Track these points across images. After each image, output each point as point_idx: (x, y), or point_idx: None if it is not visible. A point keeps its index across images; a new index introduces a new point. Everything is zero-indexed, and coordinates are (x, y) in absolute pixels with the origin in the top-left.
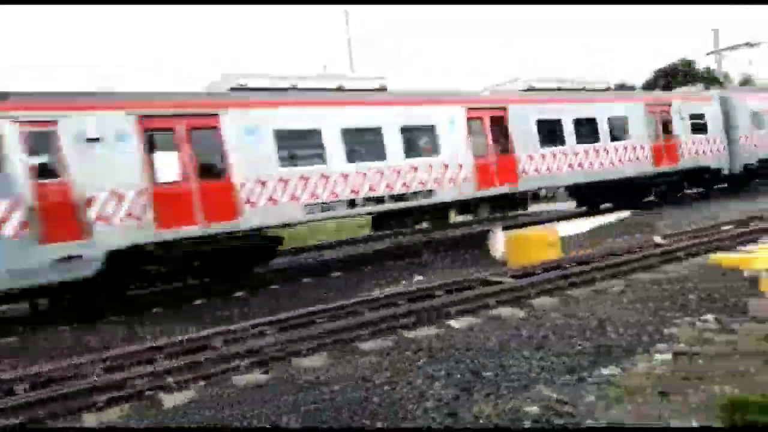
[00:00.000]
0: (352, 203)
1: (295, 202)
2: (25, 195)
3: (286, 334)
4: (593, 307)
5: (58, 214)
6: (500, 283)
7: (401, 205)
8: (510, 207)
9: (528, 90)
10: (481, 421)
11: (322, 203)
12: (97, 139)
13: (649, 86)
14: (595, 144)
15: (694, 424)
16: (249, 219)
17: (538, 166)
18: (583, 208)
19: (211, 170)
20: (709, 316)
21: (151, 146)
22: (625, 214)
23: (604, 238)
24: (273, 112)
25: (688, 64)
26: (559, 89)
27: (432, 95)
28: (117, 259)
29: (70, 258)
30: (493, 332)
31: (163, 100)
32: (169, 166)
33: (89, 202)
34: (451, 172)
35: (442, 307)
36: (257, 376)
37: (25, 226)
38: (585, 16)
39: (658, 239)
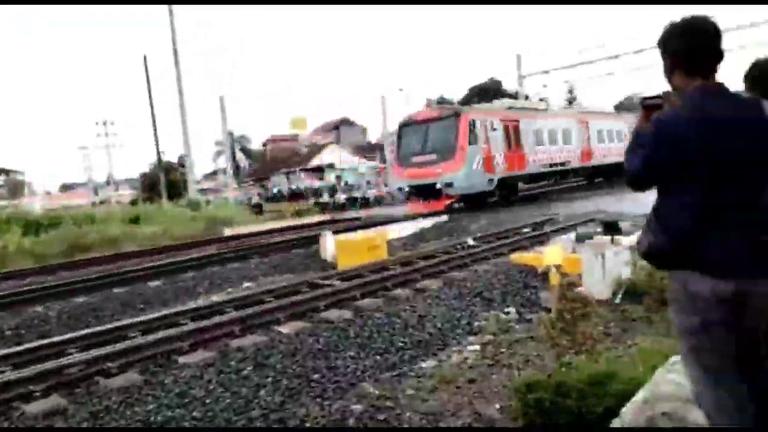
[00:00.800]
0: (549, 165)
1: (537, 163)
2: (482, 154)
3: (90, 353)
4: (414, 305)
5: (487, 162)
6: (329, 285)
7: (561, 168)
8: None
9: (509, 108)
10: (308, 424)
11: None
12: (495, 129)
13: (466, 102)
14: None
15: (497, 406)
16: (530, 169)
17: (535, 158)
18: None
19: (514, 145)
20: (511, 309)
21: (505, 134)
22: (444, 218)
23: (427, 240)
24: (531, 120)
25: (498, 83)
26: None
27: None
28: (501, 181)
29: (491, 180)
30: (322, 335)
31: (506, 111)
32: (508, 142)
33: (493, 158)
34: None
35: (271, 312)
36: (58, 400)
37: (480, 165)
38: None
39: (470, 241)
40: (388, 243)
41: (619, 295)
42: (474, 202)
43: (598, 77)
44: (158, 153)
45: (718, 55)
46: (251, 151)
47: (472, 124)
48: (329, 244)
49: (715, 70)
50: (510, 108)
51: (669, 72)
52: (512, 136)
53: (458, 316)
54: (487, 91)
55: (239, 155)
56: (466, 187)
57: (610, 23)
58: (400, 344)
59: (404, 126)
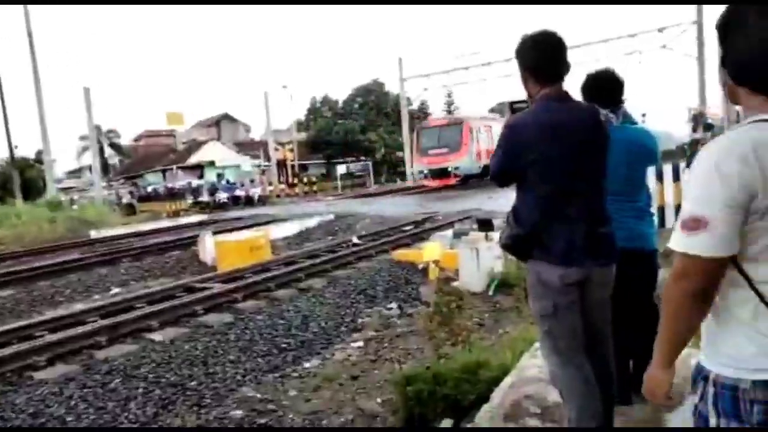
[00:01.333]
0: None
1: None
2: (476, 149)
3: None
4: (298, 305)
5: (479, 154)
6: (208, 288)
7: None
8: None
9: (483, 118)
10: None
11: None
12: (481, 132)
13: (350, 101)
14: None
15: (378, 400)
16: None
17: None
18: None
19: (492, 143)
20: (393, 304)
21: (487, 135)
22: (329, 217)
23: (313, 240)
24: (498, 124)
25: (381, 85)
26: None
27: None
28: (485, 167)
29: (480, 166)
30: (200, 340)
31: (483, 120)
32: (489, 140)
33: (481, 151)
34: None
35: (142, 319)
36: None
37: (475, 156)
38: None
39: (355, 239)
40: (271, 243)
41: (492, 288)
42: (466, 180)
43: (473, 82)
44: (10, 147)
45: (564, 67)
46: (122, 146)
47: (470, 129)
48: (209, 245)
49: (561, 80)
50: (483, 117)
51: (524, 80)
52: (490, 136)
53: (342, 314)
54: (371, 92)
55: (108, 151)
56: (467, 170)
57: (483, 32)
58: (284, 345)
59: (423, 129)
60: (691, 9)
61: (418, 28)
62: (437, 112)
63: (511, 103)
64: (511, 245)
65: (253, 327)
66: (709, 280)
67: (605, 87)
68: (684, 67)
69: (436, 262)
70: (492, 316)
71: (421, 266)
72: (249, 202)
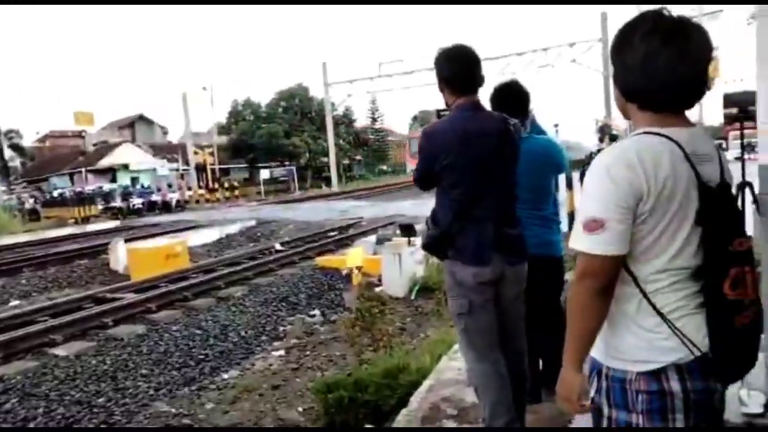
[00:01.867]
0: None
1: None
2: None
3: None
4: (217, 314)
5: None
6: (119, 299)
7: None
8: None
9: None
10: None
11: None
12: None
13: (275, 105)
14: None
15: (299, 409)
16: None
17: None
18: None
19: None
20: (316, 311)
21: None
22: (251, 223)
23: (234, 247)
24: None
25: (306, 89)
26: None
27: None
28: None
29: None
30: (109, 354)
31: None
32: None
33: None
34: None
35: (44, 333)
36: None
37: None
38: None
39: (277, 246)
40: (190, 250)
41: (414, 292)
42: None
43: (396, 90)
44: None
45: (477, 79)
46: (24, 148)
47: None
48: (121, 253)
49: (475, 91)
50: None
51: (441, 90)
52: None
53: (263, 322)
54: (295, 96)
55: (8, 153)
56: None
57: (406, 40)
58: (201, 357)
59: (411, 138)
60: (597, 26)
61: (343, 34)
62: (362, 119)
63: (438, 111)
64: (429, 245)
65: (168, 338)
66: (609, 277)
67: (511, 98)
68: (592, 81)
69: (359, 268)
70: (414, 320)
71: (344, 272)
72: (166, 207)
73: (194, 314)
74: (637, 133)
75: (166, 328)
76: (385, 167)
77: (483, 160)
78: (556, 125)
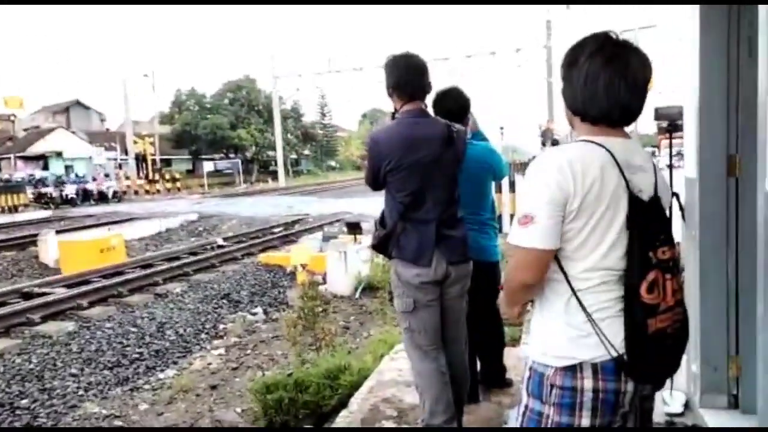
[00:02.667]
0: None
1: None
2: None
3: None
4: (153, 311)
5: None
6: (48, 294)
7: None
8: None
9: None
10: None
11: None
12: None
13: (221, 96)
14: None
15: (238, 410)
16: None
17: None
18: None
19: None
20: (259, 309)
21: None
22: (193, 216)
23: (174, 241)
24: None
25: (253, 81)
26: None
27: None
28: None
29: None
30: (35, 352)
31: None
32: None
33: None
34: None
35: None
36: None
37: None
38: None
39: (220, 241)
40: (126, 244)
41: (359, 291)
42: None
43: (345, 86)
44: None
45: (424, 86)
46: None
47: None
48: (51, 245)
49: (421, 98)
50: None
51: (389, 95)
52: None
53: (203, 320)
54: (242, 88)
55: None
56: None
57: (355, 37)
58: (135, 355)
59: None
60: (542, 33)
61: (292, 27)
62: (311, 114)
63: (393, 113)
64: (377, 245)
65: (101, 336)
66: (539, 269)
67: (451, 101)
68: (537, 86)
69: (303, 266)
70: (357, 319)
71: (289, 270)
72: (102, 198)
73: (129, 311)
74: (576, 141)
75: (98, 325)
76: (333, 163)
77: (426, 165)
78: (501, 128)
